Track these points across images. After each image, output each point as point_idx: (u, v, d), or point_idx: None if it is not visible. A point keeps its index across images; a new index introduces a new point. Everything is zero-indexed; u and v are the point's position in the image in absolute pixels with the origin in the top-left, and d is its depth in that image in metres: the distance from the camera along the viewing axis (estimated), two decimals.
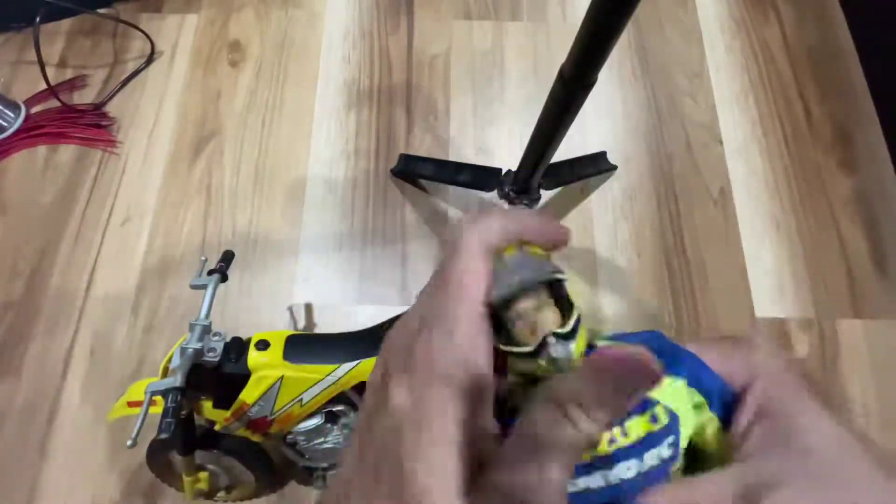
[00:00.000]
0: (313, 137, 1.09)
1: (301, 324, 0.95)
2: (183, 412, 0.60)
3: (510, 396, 0.22)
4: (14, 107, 1.09)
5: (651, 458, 0.23)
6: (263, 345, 0.61)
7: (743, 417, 0.23)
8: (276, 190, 1.05)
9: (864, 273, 1.00)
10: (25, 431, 0.87)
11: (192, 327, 0.58)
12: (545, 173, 0.83)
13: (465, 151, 1.09)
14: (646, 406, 0.23)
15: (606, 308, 0.97)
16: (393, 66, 1.16)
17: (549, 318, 0.21)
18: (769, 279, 1.00)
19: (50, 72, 1.10)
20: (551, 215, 0.23)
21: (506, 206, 0.91)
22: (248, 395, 0.60)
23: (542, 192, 0.90)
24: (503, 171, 0.92)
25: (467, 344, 0.20)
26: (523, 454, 0.18)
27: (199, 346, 0.56)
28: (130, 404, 0.64)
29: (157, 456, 0.71)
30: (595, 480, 0.23)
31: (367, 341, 0.64)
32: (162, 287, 0.97)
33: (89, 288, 0.96)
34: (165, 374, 0.57)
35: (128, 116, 1.11)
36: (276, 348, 0.61)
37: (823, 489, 0.20)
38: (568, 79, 0.60)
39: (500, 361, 0.22)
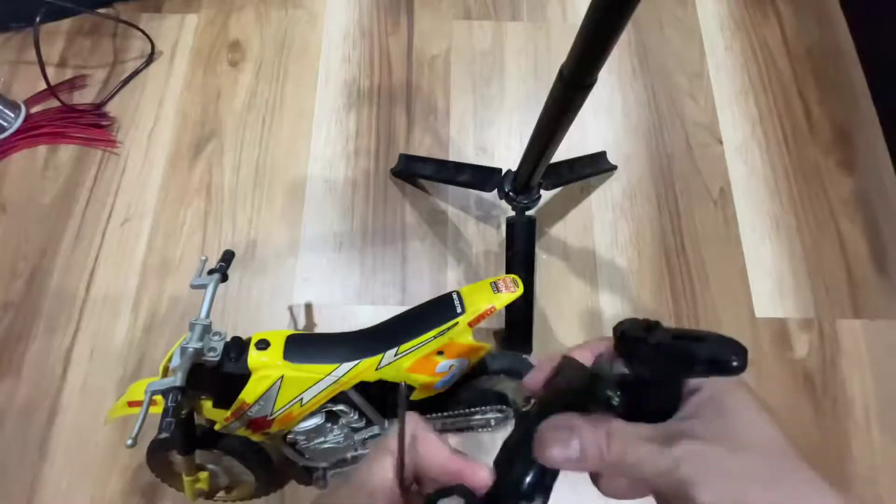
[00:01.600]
0: (313, 137, 1.09)
1: (301, 324, 0.95)
2: (183, 412, 0.60)
3: None
4: (14, 107, 1.09)
5: None
6: (263, 344, 0.61)
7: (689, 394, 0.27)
8: (276, 190, 1.05)
9: (864, 273, 1.00)
10: (25, 431, 0.87)
11: (192, 327, 0.58)
12: (545, 173, 0.83)
13: (465, 151, 1.09)
14: None
15: (606, 308, 0.97)
16: (393, 66, 1.16)
17: None
18: (769, 279, 1.00)
19: (50, 72, 1.10)
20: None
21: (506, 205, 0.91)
22: (248, 394, 0.60)
23: (542, 191, 0.90)
24: (503, 171, 0.92)
25: None
26: None
27: (199, 345, 0.56)
28: (130, 404, 0.64)
29: (157, 456, 0.71)
30: None
31: (367, 341, 0.64)
32: (162, 287, 0.97)
33: (89, 288, 0.96)
34: (165, 373, 0.57)
35: (128, 116, 1.11)
36: (276, 348, 0.61)
37: (736, 454, 0.23)
38: (568, 79, 0.60)
39: None
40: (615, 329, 0.27)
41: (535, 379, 0.30)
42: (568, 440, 0.26)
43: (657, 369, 0.25)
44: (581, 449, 0.25)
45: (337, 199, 1.04)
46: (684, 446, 0.24)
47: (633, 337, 0.26)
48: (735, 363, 0.22)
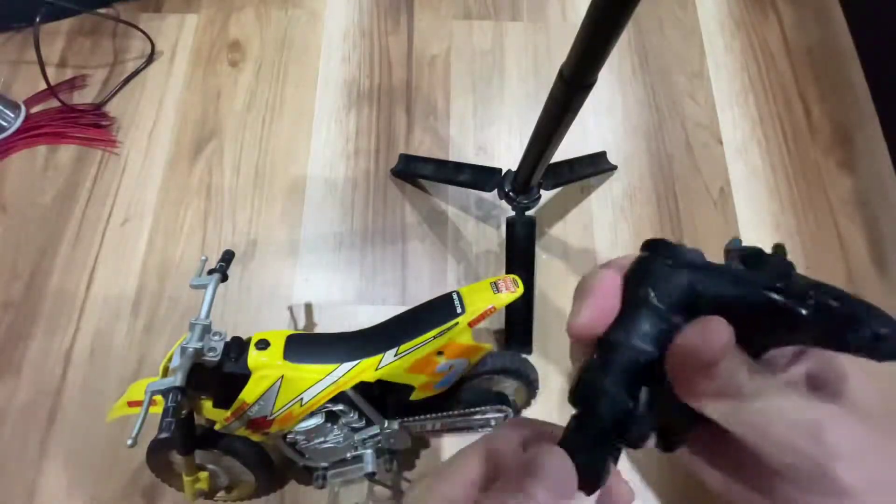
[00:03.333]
0: (313, 137, 1.09)
1: (301, 324, 0.95)
2: (183, 412, 0.60)
3: None
4: (14, 107, 1.09)
5: None
6: (263, 344, 0.61)
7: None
8: (276, 190, 1.05)
9: (864, 273, 1.00)
10: (25, 431, 0.87)
11: (192, 327, 0.58)
12: (545, 173, 0.83)
13: (465, 151, 1.09)
14: None
15: None
16: (393, 66, 1.16)
17: None
18: None
19: (50, 72, 1.10)
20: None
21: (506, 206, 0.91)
22: (248, 394, 0.60)
23: (542, 192, 0.90)
24: (503, 171, 0.92)
25: None
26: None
27: (199, 345, 0.56)
28: (130, 404, 0.64)
29: (157, 456, 0.71)
30: None
31: (367, 341, 0.64)
32: (162, 287, 0.97)
33: (89, 288, 0.96)
34: (165, 373, 0.57)
35: (128, 116, 1.11)
36: (276, 348, 0.61)
37: (875, 428, 0.19)
38: (568, 79, 0.60)
39: None
40: (727, 249, 0.21)
41: (594, 314, 0.22)
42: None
43: (784, 330, 0.20)
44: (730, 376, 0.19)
45: (337, 199, 1.04)
46: (829, 408, 0.19)
47: (777, 272, 0.20)
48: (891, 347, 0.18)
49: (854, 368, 0.21)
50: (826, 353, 0.21)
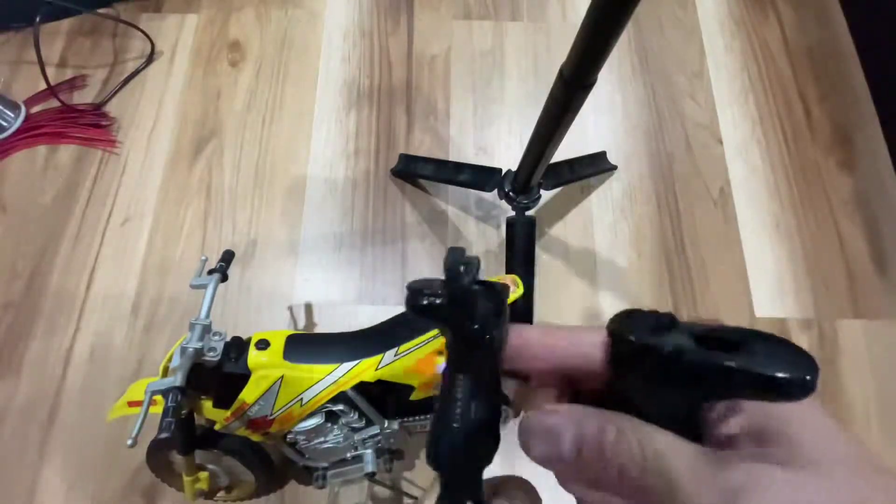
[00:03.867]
0: (313, 137, 1.09)
1: (301, 324, 0.95)
2: (183, 412, 0.60)
3: None
4: (14, 107, 1.09)
5: None
6: (263, 344, 0.61)
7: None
8: (276, 190, 1.05)
9: (864, 273, 1.00)
10: (25, 431, 0.87)
11: (192, 327, 0.58)
12: (545, 173, 0.83)
13: (465, 151, 1.09)
14: None
15: (606, 308, 0.97)
16: (393, 66, 1.16)
17: None
18: (769, 279, 1.00)
19: (50, 72, 1.10)
20: None
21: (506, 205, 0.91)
22: (248, 394, 0.60)
23: (542, 191, 0.90)
24: (503, 171, 0.92)
25: None
26: None
27: (199, 345, 0.56)
28: (130, 404, 0.64)
29: (157, 456, 0.71)
30: None
31: (367, 341, 0.64)
32: (162, 287, 0.97)
33: (89, 288, 0.96)
34: (165, 373, 0.57)
35: (128, 116, 1.11)
36: (276, 348, 0.61)
37: (805, 480, 0.16)
38: (568, 79, 0.60)
39: None
40: (609, 326, 0.19)
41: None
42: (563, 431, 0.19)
43: (676, 390, 0.17)
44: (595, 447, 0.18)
45: (337, 200, 1.04)
46: (746, 470, 0.16)
47: (639, 344, 0.17)
48: (799, 385, 0.15)
49: (811, 419, 0.17)
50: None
